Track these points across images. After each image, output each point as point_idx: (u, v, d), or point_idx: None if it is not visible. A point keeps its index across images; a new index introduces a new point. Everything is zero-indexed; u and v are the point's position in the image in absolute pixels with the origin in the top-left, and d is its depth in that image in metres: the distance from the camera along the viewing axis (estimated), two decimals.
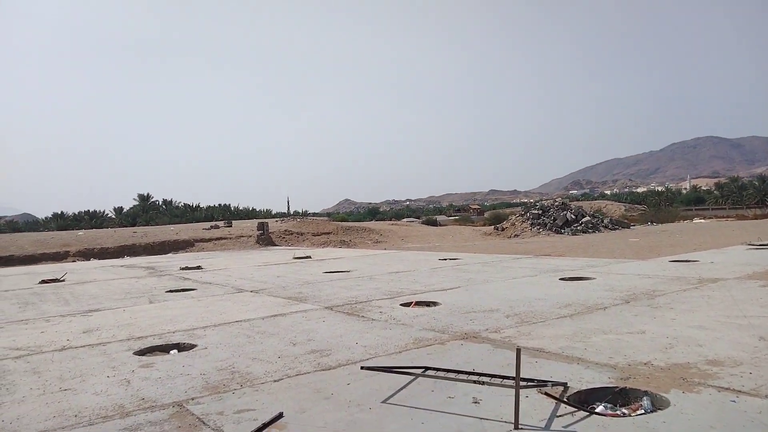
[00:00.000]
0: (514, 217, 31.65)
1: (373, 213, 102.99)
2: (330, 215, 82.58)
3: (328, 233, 29.68)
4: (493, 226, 32.88)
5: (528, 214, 30.36)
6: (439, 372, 4.19)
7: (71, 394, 4.35)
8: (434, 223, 50.20)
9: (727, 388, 3.73)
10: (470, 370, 4.25)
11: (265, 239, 27.32)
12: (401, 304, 7.88)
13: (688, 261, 11.59)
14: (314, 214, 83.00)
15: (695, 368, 4.22)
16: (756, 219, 37.77)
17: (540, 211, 30.04)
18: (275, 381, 4.44)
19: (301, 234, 29.38)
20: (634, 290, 8.12)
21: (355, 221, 51.44)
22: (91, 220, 66.73)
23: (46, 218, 69.63)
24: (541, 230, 28.15)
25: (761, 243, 14.85)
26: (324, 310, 7.65)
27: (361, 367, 4.50)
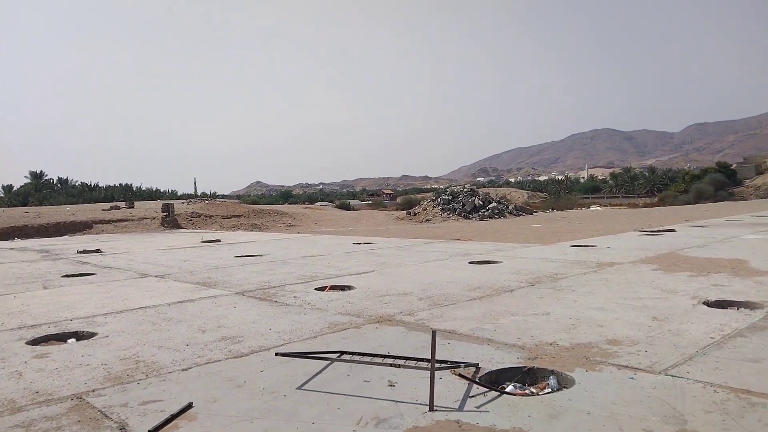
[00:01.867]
0: (425, 203, 32.27)
1: (286, 196, 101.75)
2: (241, 198, 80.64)
3: (239, 216, 28.92)
4: (405, 211, 33.35)
5: (439, 200, 31.06)
6: (354, 356, 4.17)
7: None
8: (348, 208, 50.28)
9: (625, 366, 3.97)
10: (386, 353, 4.26)
11: (171, 222, 26.22)
12: (316, 289, 7.80)
13: (587, 246, 12.27)
14: (224, 196, 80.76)
15: (597, 348, 4.46)
16: (646, 207, 40.76)
17: (450, 197, 30.81)
18: (183, 370, 4.26)
19: (210, 217, 28.44)
20: (539, 273, 8.48)
21: (267, 204, 50.53)
22: None
23: None
24: (450, 215, 28.88)
25: (651, 230, 15.98)
26: (235, 296, 7.44)
27: (276, 354, 4.40)
